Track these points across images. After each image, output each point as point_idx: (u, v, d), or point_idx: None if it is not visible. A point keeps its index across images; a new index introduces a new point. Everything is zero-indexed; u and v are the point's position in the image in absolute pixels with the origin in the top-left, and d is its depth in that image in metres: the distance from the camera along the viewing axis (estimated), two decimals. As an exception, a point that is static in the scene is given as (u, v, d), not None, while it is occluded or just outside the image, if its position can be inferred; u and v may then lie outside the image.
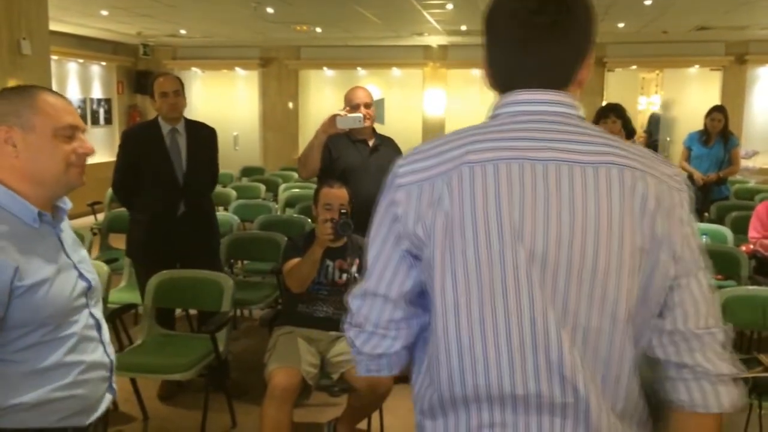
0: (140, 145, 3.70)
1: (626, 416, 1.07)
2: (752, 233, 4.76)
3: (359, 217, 3.45)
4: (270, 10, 7.45)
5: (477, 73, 10.81)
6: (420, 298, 1.12)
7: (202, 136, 3.82)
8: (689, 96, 10.53)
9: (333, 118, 3.49)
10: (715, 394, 1.05)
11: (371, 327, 1.12)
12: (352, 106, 3.68)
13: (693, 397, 1.06)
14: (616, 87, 10.21)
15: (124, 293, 4.24)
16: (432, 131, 10.87)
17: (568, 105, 1.07)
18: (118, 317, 3.36)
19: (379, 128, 3.95)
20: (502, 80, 1.11)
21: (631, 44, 9.64)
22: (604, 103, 6.12)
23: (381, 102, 10.96)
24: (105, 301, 3.51)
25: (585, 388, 1.01)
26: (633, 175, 1.01)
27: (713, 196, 6.08)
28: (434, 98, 10.83)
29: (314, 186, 3.59)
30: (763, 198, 5.53)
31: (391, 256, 1.10)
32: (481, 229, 1.01)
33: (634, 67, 10.31)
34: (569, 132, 1.04)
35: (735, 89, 10.09)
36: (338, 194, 3.21)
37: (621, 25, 8.57)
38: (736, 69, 10.14)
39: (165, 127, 3.67)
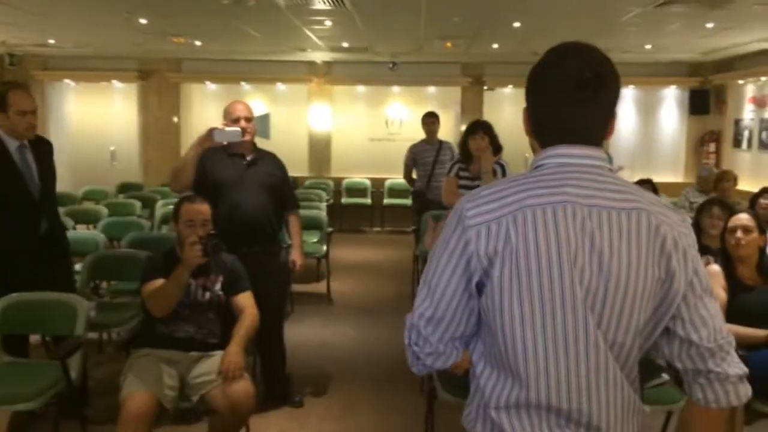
0: None
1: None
2: None
3: (231, 230, 3.38)
4: (143, 20, 7.20)
5: (362, 90, 10.98)
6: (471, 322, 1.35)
7: (46, 150, 3.60)
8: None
9: (210, 132, 3.43)
10: (725, 394, 1.31)
11: (439, 347, 1.34)
12: (231, 119, 3.62)
13: (707, 397, 1.32)
14: (495, 106, 10.61)
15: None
16: (319, 146, 10.87)
17: (600, 159, 1.32)
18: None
19: (265, 143, 3.90)
20: (545, 134, 1.35)
21: (507, 64, 10.03)
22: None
23: (266, 117, 10.84)
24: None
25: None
26: (657, 220, 1.27)
27: None
28: (320, 113, 10.82)
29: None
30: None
31: (457, 287, 1.30)
32: (543, 259, 1.23)
33: (510, 86, 10.71)
34: (603, 182, 1.29)
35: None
36: (200, 209, 3.13)
37: (495, 45, 8.93)
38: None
39: (11, 143, 3.43)
